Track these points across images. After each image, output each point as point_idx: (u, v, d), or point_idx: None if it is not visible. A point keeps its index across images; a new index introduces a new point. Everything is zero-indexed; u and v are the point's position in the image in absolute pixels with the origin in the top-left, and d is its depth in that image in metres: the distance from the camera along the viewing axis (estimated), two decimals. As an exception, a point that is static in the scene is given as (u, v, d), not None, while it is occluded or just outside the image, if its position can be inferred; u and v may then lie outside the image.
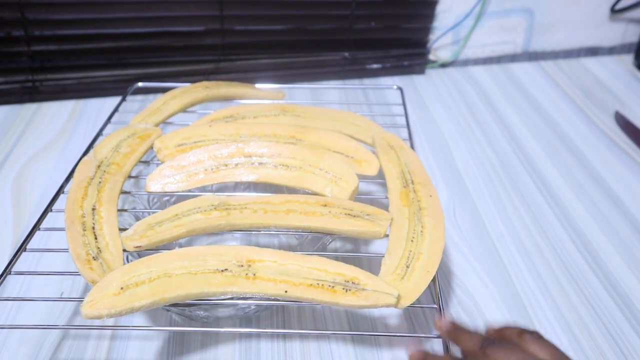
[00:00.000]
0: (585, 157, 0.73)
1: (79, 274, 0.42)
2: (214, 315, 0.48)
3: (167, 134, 0.57)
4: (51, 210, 0.50)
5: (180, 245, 0.55)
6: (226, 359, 0.47)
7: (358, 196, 0.51)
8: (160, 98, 0.63)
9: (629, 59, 0.96)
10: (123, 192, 0.51)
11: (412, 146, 0.58)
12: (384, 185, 0.52)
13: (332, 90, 0.86)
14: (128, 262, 0.46)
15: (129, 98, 0.68)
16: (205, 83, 0.66)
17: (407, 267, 0.43)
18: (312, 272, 0.41)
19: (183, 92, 0.64)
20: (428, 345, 0.48)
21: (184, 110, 0.63)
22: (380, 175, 0.54)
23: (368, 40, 0.89)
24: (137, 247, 0.44)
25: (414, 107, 0.82)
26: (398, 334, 0.49)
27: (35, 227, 0.48)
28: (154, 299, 0.39)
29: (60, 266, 0.55)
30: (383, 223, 0.46)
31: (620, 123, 0.79)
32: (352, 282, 0.41)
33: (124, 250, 0.44)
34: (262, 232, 0.49)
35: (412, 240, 0.45)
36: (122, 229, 0.46)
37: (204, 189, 0.53)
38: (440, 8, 0.87)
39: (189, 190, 0.51)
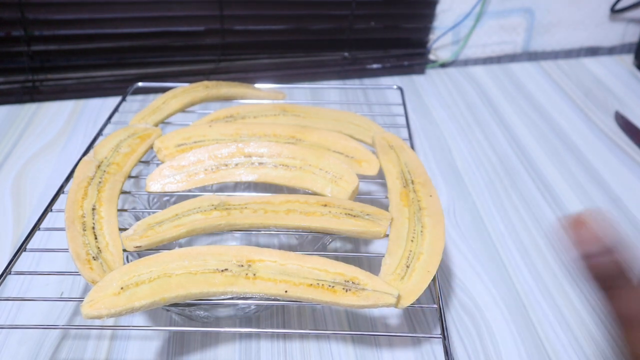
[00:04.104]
0: (585, 157, 0.73)
1: (79, 274, 0.42)
2: (214, 315, 0.48)
3: (167, 133, 0.57)
4: (51, 210, 0.50)
5: (180, 245, 0.55)
6: (226, 359, 0.47)
7: (358, 196, 0.51)
8: (160, 97, 0.63)
9: (629, 59, 0.96)
10: (123, 192, 0.51)
11: (412, 146, 0.58)
12: (384, 185, 0.52)
13: (332, 90, 0.86)
14: (128, 262, 0.46)
15: (129, 98, 0.68)
16: (205, 83, 0.66)
17: (407, 267, 0.43)
18: (312, 272, 0.41)
19: (183, 91, 0.64)
20: (428, 345, 0.48)
21: (183, 109, 0.64)
22: (380, 175, 0.54)
23: (368, 40, 0.89)
24: (137, 247, 0.44)
25: (414, 107, 0.82)
26: (398, 334, 0.49)
27: (35, 227, 0.48)
28: (154, 299, 0.39)
29: (60, 266, 0.55)
30: (383, 223, 0.46)
31: (620, 123, 0.79)
32: (352, 282, 0.41)
33: (124, 250, 0.44)
34: (262, 232, 0.49)
35: (412, 240, 0.45)
36: (122, 229, 0.46)
37: (204, 189, 0.53)
38: (440, 8, 0.87)
39: (189, 190, 0.51)
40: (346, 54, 0.88)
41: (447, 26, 0.89)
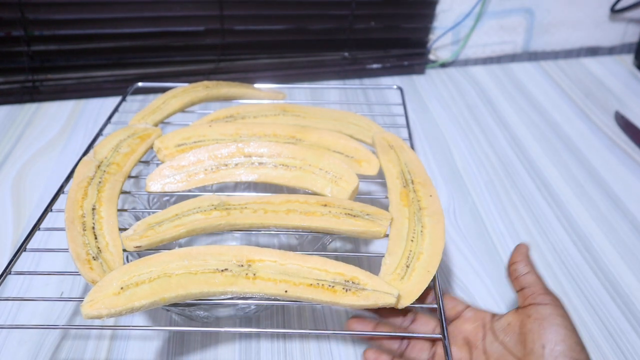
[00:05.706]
0: (585, 157, 0.73)
1: (79, 274, 0.42)
2: (214, 315, 0.48)
3: (167, 133, 0.57)
4: (51, 210, 0.50)
5: (180, 245, 0.55)
6: (226, 359, 0.47)
7: (358, 196, 0.51)
8: (160, 97, 0.63)
9: (629, 59, 0.96)
10: (123, 192, 0.51)
11: (412, 146, 0.58)
12: (384, 185, 0.52)
13: (332, 90, 0.86)
14: (128, 262, 0.46)
15: (129, 98, 0.68)
16: (205, 83, 0.66)
17: (407, 266, 0.43)
18: (312, 272, 0.41)
19: (183, 91, 0.64)
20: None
21: (183, 109, 0.63)
22: (380, 175, 0.54)
23: (368, 40, 0.89)
24: (137, 247, 0.44)
25: (414, 107, 0.82)
26: (398, 334, 0.49)
27: (35, 227, 0.48)
28: (154, 299, 0.39)
29: (60, 266, 0.55)
30: (383, 223, 0.46)
31: (620, 123, 0.79)
32: (352, 282, 0.41)
33: (124, 250, 0.44)
34: (262, 232, 0.49)
35: (412, 240, 0.45)
36: (122, 229, 0.46)
37: (204, 189, 0.53)
38: (440, 8, 0.87)
39: (189, 190, 0.51)
40: (346, 54, 0.88)
41: (447, 26, 0.89)
